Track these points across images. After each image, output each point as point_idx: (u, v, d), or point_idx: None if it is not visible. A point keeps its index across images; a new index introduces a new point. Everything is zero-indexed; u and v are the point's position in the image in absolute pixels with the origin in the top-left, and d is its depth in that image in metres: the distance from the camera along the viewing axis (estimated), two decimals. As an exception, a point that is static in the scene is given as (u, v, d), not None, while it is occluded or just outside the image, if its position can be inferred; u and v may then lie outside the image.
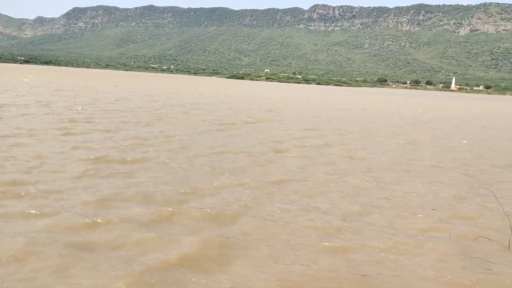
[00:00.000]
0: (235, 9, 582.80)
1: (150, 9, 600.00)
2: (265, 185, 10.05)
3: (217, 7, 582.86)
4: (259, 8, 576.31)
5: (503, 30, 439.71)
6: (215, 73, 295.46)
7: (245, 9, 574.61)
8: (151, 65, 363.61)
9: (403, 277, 6.00)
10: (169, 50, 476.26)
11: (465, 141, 21.20)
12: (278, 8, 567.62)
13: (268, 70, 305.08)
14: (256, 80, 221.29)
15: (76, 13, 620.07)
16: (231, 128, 20.18)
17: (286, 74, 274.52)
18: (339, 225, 7.76)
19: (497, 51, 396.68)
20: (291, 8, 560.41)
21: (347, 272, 6.01)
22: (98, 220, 7.22)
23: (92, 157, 11.75)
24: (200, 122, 21.55)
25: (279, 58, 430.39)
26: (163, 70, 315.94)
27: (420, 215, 8.66)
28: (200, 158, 12.70)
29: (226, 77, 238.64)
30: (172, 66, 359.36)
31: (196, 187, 9.50)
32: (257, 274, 5.81)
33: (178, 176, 10.50)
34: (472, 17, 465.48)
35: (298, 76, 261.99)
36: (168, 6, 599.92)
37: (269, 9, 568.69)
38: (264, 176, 10.99)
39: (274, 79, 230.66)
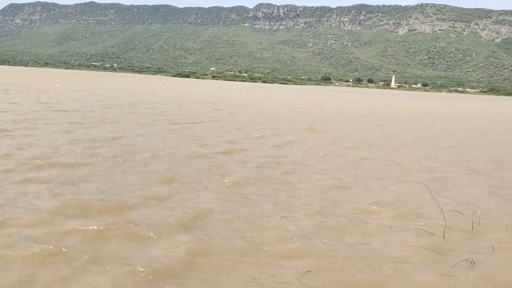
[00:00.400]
0: (179, 6, 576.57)
1: (91, 5, 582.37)
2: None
3: (161, 5, 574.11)
4: (204, 6, 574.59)
5: (439, 30, 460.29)
6: (160, 71, 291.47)
7: (190, 7, 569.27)
8: (93, 63, 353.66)
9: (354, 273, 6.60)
10: (112, 48, 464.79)
11: (409, 138, 22.72)
12: (223, 7, 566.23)
13: (214, 69, 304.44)
14: (202, 78, 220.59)
15: (12, 9, 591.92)
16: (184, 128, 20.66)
17: (232, 73, 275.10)
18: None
19: (433, 50, 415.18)
20: (236, 6, 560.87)
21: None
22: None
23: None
24: (149, 122, 21.84)
25: (225, 57, 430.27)
26: (105, 69, 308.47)
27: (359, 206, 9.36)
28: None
29: (172, 76, 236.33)
30: (115, 64, 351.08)
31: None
32: None
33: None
34: (410, 17, 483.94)
35: (244, 75, 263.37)
36: (110, 2, 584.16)
37: (214, 7, 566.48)
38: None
39: (220, 78, 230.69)
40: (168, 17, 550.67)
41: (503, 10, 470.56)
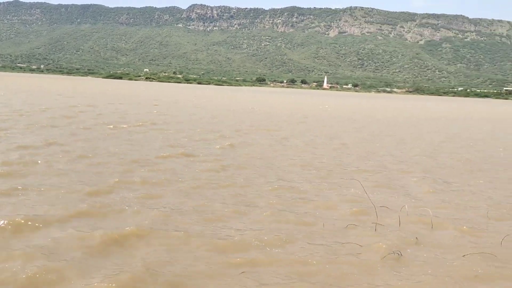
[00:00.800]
0: (110, 6, 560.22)
1: (16, 4, 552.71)
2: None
3: (91, 4, 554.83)
4: (136, 6, 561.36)
5: (367, 33, 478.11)
6: (90, 73, 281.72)
7: (121, 7, 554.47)
8: (18, 64, 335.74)
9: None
10: (39, 48, 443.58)
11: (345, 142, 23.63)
12: (155, 7, 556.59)
13: (147, 70, 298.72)
14: (136, 80, 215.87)
15: None
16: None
17: (166, 74, 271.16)
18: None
19: (362, 52, 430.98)
20: (169, 7, 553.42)
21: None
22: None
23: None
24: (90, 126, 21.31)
25: (159, 58, 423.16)
26: (32, 70, 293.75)
27: (298, 206, 9.73)
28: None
29: (103, 77, 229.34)
30: (42, 66, 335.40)
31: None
32: None
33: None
34: (340, 20, 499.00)
35: (179, 76, 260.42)
36: (36, 2, 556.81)
37: (146, 7, 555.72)
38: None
39: (154, 79, 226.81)
40: (98, 17, 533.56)
41: (426, 14, 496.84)
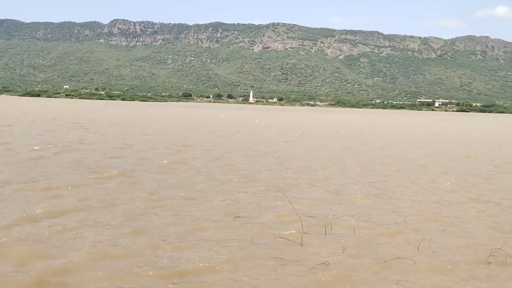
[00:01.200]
0: (26, 21, 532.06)
1: None
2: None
3: (5, 19, 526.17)
4: (54, 21, 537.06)
5: (290, 48, 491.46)
6: (5, 90, 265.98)
7: (38, 22, 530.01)
8: None
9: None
10: None
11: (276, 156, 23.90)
12: (75, 22, 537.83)
13: (67, 87, 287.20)
14: (55, 97, 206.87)
15: None
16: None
17: (88, 90, 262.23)
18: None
19: (286, 66, 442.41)
20: (90, 22, 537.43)
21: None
22: None
23: None
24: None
25: (80, 74, 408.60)
26: None
27: (224, 221, 9.72)
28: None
29: (19, 95, 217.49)
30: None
31: None
32: None
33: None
34: (263, 35, 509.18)
35: (101, 92, 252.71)
36: None
37: (65, 22, 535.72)
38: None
39: (74, 96, 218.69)
40: (13, 32, 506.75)
41: (344, 30, 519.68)
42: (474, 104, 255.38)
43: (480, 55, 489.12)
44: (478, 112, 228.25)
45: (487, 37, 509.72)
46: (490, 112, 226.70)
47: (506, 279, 7.33)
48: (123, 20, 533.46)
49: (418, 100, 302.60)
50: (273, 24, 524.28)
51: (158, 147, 23.77)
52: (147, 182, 13.85)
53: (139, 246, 8.10)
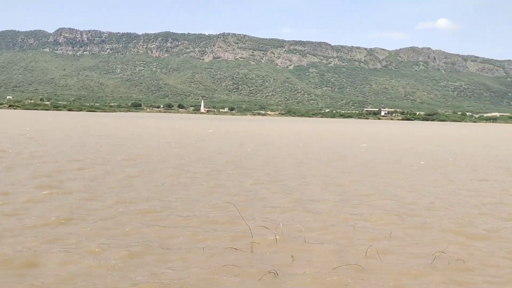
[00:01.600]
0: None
1: None
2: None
3: None
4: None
5: (240, 58, 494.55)
6: None
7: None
8: None
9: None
10: None
11: (225, 160, 23.83)
12: (18, 30, 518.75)
13: (11, 97, 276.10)
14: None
15: None
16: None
17: (32, 101, 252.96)
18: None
19: (237, 76, 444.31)
20: (34, 30, 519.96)
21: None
22: None
23: None
24: None
25: (24, 84, 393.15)
26: None
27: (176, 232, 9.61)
28: None
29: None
30: None
31: None
32: None
33: None
34: (214, 45, 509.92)
35: (46, 103, 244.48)
36: None
37: (8, 30, 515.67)
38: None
39: (18, 107, 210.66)
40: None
41: (294, 41, 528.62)
42: (417, 113, 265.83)
43: (423, 65, 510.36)
44: (422, 120, 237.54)
45: (429, 48, 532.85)
46: (433, 120, 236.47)
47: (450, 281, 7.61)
48: (69, 29, 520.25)
49: (365, 109, 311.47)
50: (223, 34, 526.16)
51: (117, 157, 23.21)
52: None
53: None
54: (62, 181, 15.73)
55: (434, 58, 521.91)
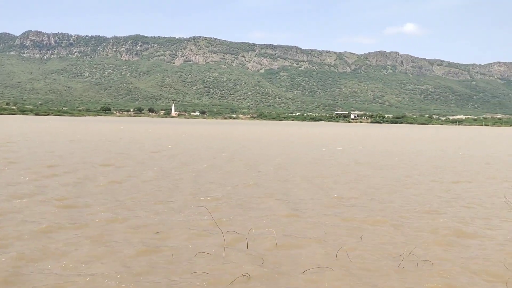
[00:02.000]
0: None
1: None
2: None
3: None
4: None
5: (211, 61, 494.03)
6: None
7: None
8: None
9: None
10: None
11: (205, 165, 23.65)
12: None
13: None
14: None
15: None
16: None
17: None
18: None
19: (208, 80, 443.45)
20: (0, 33, 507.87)
21: None
22: None
23: None
24: None
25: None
26: None
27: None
28: None
29: None
30: None
31: None
32: None
33: None
34: (184, 49, 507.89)
35: (13, 107, 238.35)
36: None
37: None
38: None
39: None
40: None
41: (264, 45, 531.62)
42: (386, 116, 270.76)
43: (391, 69, 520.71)
44: (390, 123, 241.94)
45: (396, 52, 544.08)
46: (401, 123, 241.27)
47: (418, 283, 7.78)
48: (36, 31, 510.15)
49: (335, 112, 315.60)
50: (194, 38, 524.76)
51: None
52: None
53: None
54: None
55: (402, 62, 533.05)
